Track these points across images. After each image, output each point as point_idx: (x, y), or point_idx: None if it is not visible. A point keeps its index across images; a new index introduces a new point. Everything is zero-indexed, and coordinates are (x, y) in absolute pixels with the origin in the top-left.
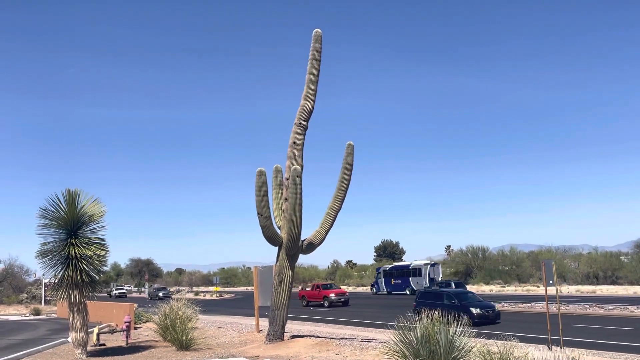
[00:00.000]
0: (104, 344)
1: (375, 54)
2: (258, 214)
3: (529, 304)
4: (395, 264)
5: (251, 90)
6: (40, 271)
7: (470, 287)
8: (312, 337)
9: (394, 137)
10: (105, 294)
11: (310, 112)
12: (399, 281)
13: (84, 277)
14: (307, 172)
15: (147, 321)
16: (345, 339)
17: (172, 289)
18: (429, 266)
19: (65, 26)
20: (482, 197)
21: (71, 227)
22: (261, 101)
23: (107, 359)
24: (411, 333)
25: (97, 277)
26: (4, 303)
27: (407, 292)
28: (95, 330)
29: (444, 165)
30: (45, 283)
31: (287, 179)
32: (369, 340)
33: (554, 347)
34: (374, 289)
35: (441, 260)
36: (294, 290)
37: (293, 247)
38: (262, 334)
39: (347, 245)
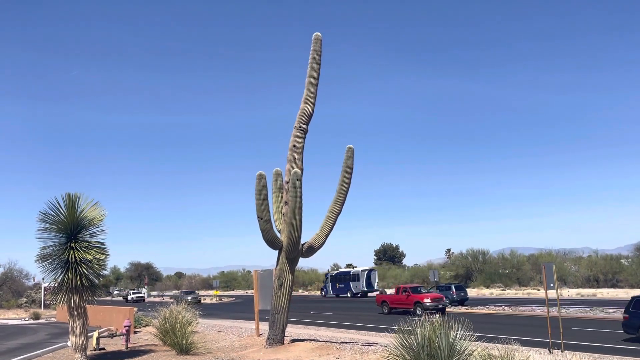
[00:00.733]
0: (103, 348)
1: (375, 57)
2: (258, 217)
3: (530, 307)
4: (340, 270)
5: (251, 94)
6: (39, 275)
7: (470, 291)
8: (313, 341)
9: (394, 140)
10: (121, 298)
11: (310, 116)
12: (342, 285)
13: (83, 281)
14: (307, 175)
15: (146, 325)
16: (346, 342)
17: (199, 292)
18: (366, 272)
19: (65, 29)
20: (482, 200)
21: (71, 231)
22: (261, 105)
23: None
24: (412, 337)
25: (97, 281)
26: (3, 307)
27: (349, 295)
28: (95, 334)
29: (444, 168)
30: (44, 287)
31: (287, 183)
32: (369, 344)
33: (554, 351)
34: (323, 292)
35: (441, 264)
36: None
37: (293, 250)
38: (262, 338)
39: (347, 248)
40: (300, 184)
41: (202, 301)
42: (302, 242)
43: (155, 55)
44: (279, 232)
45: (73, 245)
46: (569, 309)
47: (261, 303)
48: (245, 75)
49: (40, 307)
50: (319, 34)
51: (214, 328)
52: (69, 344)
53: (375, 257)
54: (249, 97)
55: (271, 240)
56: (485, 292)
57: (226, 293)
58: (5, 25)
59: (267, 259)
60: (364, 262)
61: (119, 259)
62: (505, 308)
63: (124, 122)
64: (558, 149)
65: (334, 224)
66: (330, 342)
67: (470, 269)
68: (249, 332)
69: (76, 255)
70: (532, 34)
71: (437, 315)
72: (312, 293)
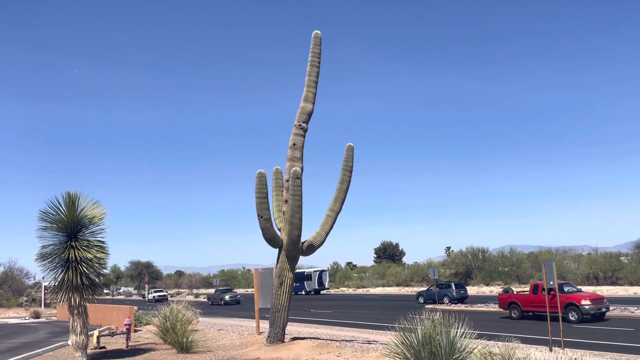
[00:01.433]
0: (104, 347)
1: (375, 56)
2: (258, 215)
3: None
4: (296, 270)
5: (251, 93)
6: (40, 274)
7: (470, 289)
8: (313, 339)
9: (394, 138)
10: (141, 298)
11: (310, 114)
12: (298, 284)
13: (84, 279)
14: (307, 173)
15: (147, 324)
16: (346, 340)
17: (236, 290)
18: (318, 273)
19: (66, 30)
20: (482, 198)
21: (71, 229)
22: (261, 103)
23: None
24: (412, 335)
25: (97, 280)
26: (3, 306)
27: (303, 293)
28: (96, 333)
29: (444, 166)
30: (45, 286)
31: (287, 181)
32: (369, 342)
33: (555, 348)
34: None
35: (441, 262)
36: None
37: (293, 248)
38: (263, 336)
39: (347, 246)
40: (301, 182)
41: (197, 299)
42: (302, 240)
43: (156, 55)
44: (279, 230)
45: (73, 244)
46: None
47: (261, 301)
48: (245, 74)
49: (40, 306)
50: (318, 32)
51: (215, 326)
52: (69, 342)
53: (375, 255)
54: (249, 96)
55: (271, 239)
56: (485, 290)
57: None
58: (6, 25)
59: (267, 257)
60: (364, 260)
61: (119, 257)
62: None
63: (124, 122)
64: (558, 147)
65: (334, 222)
66: (331, 340)
67: (470, 266)
68: (250, 331)
69: (76, 254)
70: (533, 32)
71: (438, 314)
72: None
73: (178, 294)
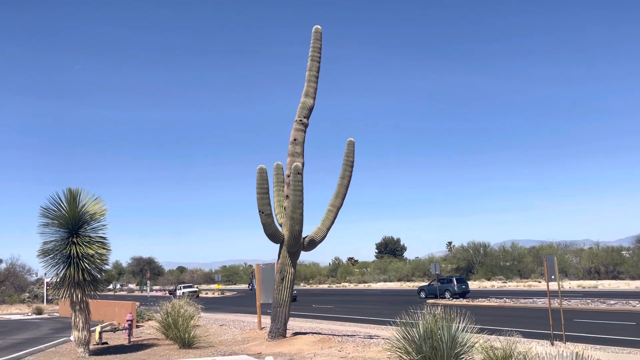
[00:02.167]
0: (106, 343)
1: (375, 51)
2: (259, 211)
3: (531, 300)
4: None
5: (251, 88)
6: (42, 270)
7: (472, 283)
8: (315, 334)
9: (394, 133)
10: (166, 293)
11: (310, 109)
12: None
13: (85, 275)
14: (308, 169)
15: (149, 319)
16: (348, 335)
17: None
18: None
19: (65, 26)
20: (483, 193)
21: (72, 226)
22: (261, 99)
23: (110, 357)
24: (413, 329)
25: (98, 276)
26: (6, 302)
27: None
28: (98, 328)
29: (445, 161)
30: (47, 282)
31: (288, 176)
32: (371, 337)
33: (556, 342)
34: (250, 286)
35: (443, 257)
36: None
37: (294, 244)
38: (265, 332)
39: (349, 242)
40: (301, 178)
41: (201, 295)
42: (303, 235)
43: (155, 52)
44: (281, 225)
45: (75, 240)
46: (570, 301)
47: (263, 297)
48: (245, 69)
49: (42, 302)
50: (319, 26)
51: (216, 322)
52: (71, 338)
53: (377, 251)
54: (250, 92)
55: (272, 234)
56: (487, 285)
57: (228, 287)
58: (5, 25)
59: (268, 253)
60: (366, 255)
61: (121, 253)
62: (507, 300)
63: (125, 119)
64: (559, 141)
65: (335, 217)
66: (332, 335)
67: (472, 261)
68: (251, 326)
69: (78, 250)
70: (537, 28)
71: (440, 309)
72: (314, 287)
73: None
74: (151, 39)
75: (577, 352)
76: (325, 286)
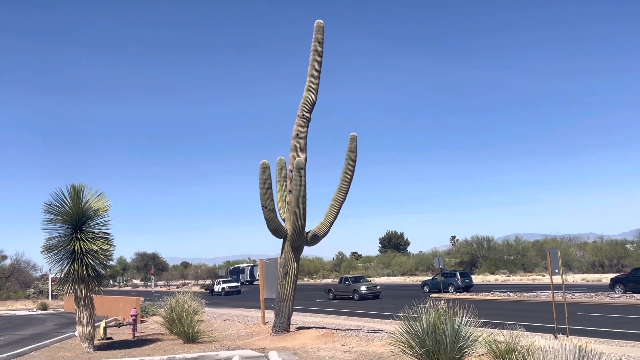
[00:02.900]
0: (111, 338)
1: (378, 46)
2: (262, 206)
3: (535, 293)
4: (235, 266)
5: (254, 84)
6: (46, 266)
7: (475, 277)
8: (318, 329)
9: (398, 128)
10: (201, 288)
11: (313, 104)
12: (236, 276)
13: (89, 271)
14: (311, 164)
15: (153, 315)
16: (351, 330)
17: (371, 279)
18: (249, 267)
19: (68, 22)
20: (487, 187)
21: (76, 221)
22: (264, 94)
23: (114, 352)
24: (417, 323)
25: (103, 272)
26: (11, 298)
27: (239, 284)
28: (102, 324)
29: (448, 155)
30: (52, 278)
31: (291, 171)
32: (374, 331)
33: (560, 336)
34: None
35: (446, 251)
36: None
37: (297, 239)
38: (268, 326)
39: (352, 236)
40: (304, 173)
41: (203, 290)
42: (306, 230)
43: (158, 48)
44: (284, 220)
45: (78, 236)
46: (574, 295)
47: (267, 291)
48: (248, 64)
49: (47, 297)
50: (321, 21)
51: (220, 317)
52: (76, 333)
53: (380, 245)
54: (252, 87)
55: (275, 229)
56: (490, 279)
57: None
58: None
59: (272, 248)
60: (369, 250)
61: (125, 249)
62: (510, 294)
63: (127, 114)
64: (562, 135)
65: (338, 212)
66: (336, 329)
67: (475, 255)
68: (255, 321)
69: (82, 245)
70: (540, 21)
71: (443, 303)
72: (318, 281)
73: (184, 285)
74: (154, 35)
75: (580, 345)
76: (329, 281)
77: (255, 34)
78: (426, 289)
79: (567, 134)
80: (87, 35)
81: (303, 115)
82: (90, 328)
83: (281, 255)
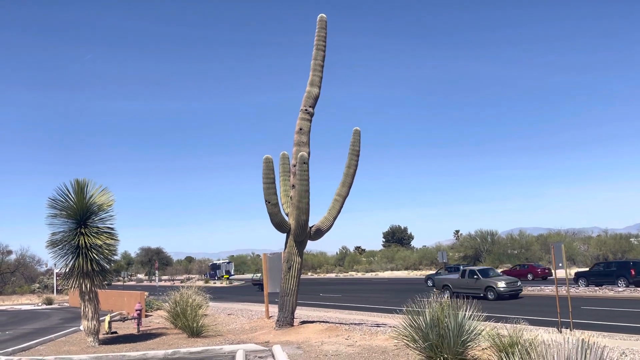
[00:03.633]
0: (115, 332)
1: (381, 41)
2: (266, 201)
3: (538, 287)
4: (213, 262)
5: (257, 79)
6: (51, 261)
7: None
8: (322, 323)
9: (401, 123)
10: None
11: (316, 99)
12: (214, 272)
13: (94, 266)
14: (314, 158)
15: (157, 309)
16: (355, 324)
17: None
18: (225, 263)
19: (73, 20)
20: (490, 181)
21: (80, 216)
22: (267, 89)
23: (119, 346)
24: (420, 318)
25: (107, 266)
26: (16, 293)
27: (216, 279)
28: (107, 318)
29: (452, 150)
30: (57, 273)
31: (294, 166)
32: (378, 325)
33: (563, 330)
34: (205, 275)
35: (450, 245)
36: None
37: (301, 233)
38: (272, 320)
39: (356, 231)
40: (307, 167)
41: (207, 284)
42: (310, 225)
43: (161, 42)
44: (287, 215)
45: (83, 230)
46: (578, 288)
47: (270, 286)
48: (251, 60)
49: (52, 292)
50: (323, 15)
51: (224, 311)
52: (81, 328)
53: (384, 239)
54: (255, 82)
55: (279, 224)
56: None
57: (236, 277)
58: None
59: (276, 242)
60: (373, 244)
61: (129, 244)
62: None
63: (131, 110)
64: (567, 129)
65: (341, 206)
66: (340, 323)
67: (479, 249)
68: (259, 315)
69: (86, 240)
70: (543, 17)
71: (446, 296)
72: (322, 276)
73: (188, 279)
74: (157, 31)
75: (583, 339)
76: (332, 275)
77: (258, 29)
78: (430, 283)
79: (571, 128)
80: (92, 32)
81: (306, 109)
82: (95, 322)
83: (285, 249)
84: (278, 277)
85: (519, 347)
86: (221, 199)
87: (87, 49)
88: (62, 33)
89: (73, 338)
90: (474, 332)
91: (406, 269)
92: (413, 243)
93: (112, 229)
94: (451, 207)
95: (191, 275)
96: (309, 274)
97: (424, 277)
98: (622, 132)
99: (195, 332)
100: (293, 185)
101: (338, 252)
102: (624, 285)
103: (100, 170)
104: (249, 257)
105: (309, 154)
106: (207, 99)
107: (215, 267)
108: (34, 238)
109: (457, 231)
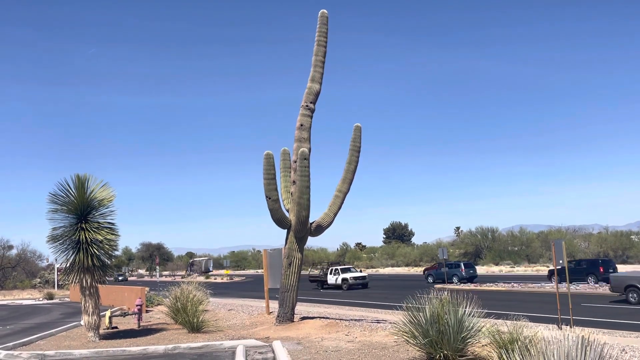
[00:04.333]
0: (116, 327)
1: (383, 38)
2: (266, 197)
3: (539, 284)
4: (193, 259)
5: (258, 74)
6: (52, 256)
7: (479, 268)
8: (322, 319)
9: (402, 119)
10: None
11: (317, 94)
12: (195, 267)
13: (94, 261)
14: (315, 154)
15: (158, 304)
16: (355, 320)
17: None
18: (204, 260)
19: (76, 14)
20: (491, 178)
21: (81, 211)
22: (268, 85)
23: (120, 341)
24: (420, 314)
25: (108, 262)
26: (17, 288)
27: (197, 274)
28: (108, 313)
29: (453, 146)
30: (57, 268)
31: (295, 162)
32: (378, 322)
33: (563, 327)
34: (186, 271)
35: (450, 242)
36: None
37: (301, 229)
38: (272, 316)
39: (356, 227)
40: (308, 163)
41: (208, 280)
42: (310, 221)
43: (164, 39)
44: (288, 211)
45: (83, 226)
46: (578, 285)
47: (271, 282)
48: (252, 55)
49: (53, 287)
50: (325, 11)
51: (225, 307)
52: (82, 323)
53: (385, 236)
54: (257, 78)
55: (279, 220)
56: (495, 270)
57: (237, 272)
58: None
59: (276, 238)
60: (374, 240)
61: (130, 239)
62: (514, 285)
63: (132, 105)
64: (567, 126)
65: (342, 202)
66: (340, 319)
67: (480, 246)
68: (259, 311)
69: (87, 235)
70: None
71: (447, 293)
72: None
73: (189, 275)
74: (159, 26)
75: (583, 336)
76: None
77: (258, 25)
78: (430, 279)
79: (573, 125)
80: (95, 27)
81: (307, 105)
82: (95, 317)
83: (285, 245)
84: (278, 273)
85: (519, 343)
86: (222, 194)
87: (88, 45)
88: (63, 29)
89: (74, 333)
90: (474, 329)
91: (407, 265)
92: (414, 239)
93: (112, 224)
94: (452, 204)
95: (177, 273)
96: (309, 270)
97: (425, 273)
98: (624, 129)
99: (195, 328)
100: (294, 182)
101: (339, 248)
102: (593, 282)
103: (101, 165)
104: (249, 253)
105: (309, 150)
106: (208, 95)
107: (192, 263)
108: (35, 233)
109: (458, 228)
